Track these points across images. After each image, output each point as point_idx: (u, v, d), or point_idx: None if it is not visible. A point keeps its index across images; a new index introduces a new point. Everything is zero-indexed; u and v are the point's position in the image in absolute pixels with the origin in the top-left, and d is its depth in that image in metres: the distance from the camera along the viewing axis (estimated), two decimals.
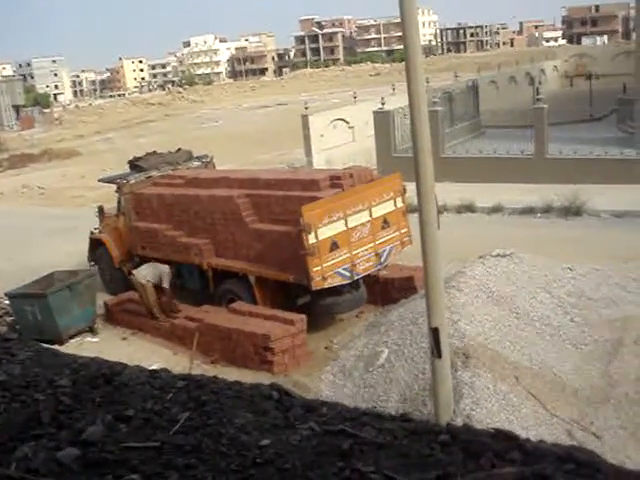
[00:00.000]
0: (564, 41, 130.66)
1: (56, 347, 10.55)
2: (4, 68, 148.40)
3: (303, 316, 12.57)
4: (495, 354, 10.01)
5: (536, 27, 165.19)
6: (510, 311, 11.25)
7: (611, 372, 10.13)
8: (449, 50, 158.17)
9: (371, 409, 3.92)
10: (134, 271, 14.89)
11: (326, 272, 12.49)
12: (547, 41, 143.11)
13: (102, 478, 2.27)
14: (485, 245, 14.40)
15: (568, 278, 12.63)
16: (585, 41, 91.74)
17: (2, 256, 21.56)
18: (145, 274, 14.59)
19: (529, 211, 20.32)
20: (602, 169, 21.74)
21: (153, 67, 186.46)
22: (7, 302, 15.87)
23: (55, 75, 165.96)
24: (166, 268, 14.63)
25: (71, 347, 13.45)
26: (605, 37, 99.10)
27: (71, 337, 14.71)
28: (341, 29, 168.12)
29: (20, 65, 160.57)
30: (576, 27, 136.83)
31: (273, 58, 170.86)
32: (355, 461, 2.18)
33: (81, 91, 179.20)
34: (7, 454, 2.45)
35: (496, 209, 20.94)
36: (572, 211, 19.41)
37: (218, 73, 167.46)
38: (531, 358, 10.17)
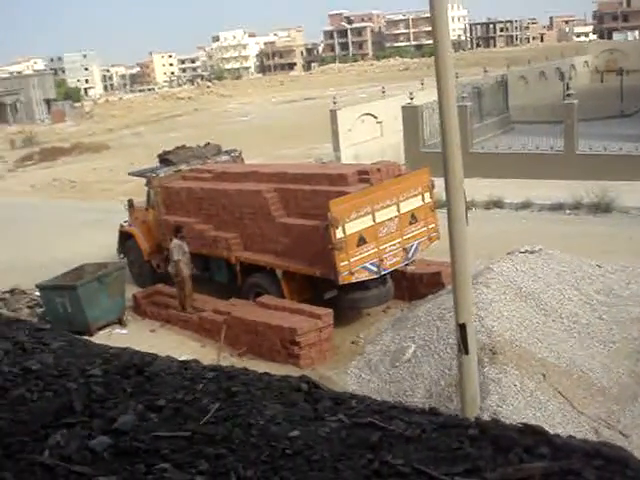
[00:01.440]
0: (595, 36, 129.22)
1: (86, 338, 10.68)
2: (36, 62, 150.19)
3: (330, 310, 12.59)
4: (522, 351, 9.96)
5: (566, 22, 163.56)
6: (538, 308, 11.18)
7: (639, 370, 10.04)
8: (478, 45, 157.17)
9: (400, 402, 3.92)
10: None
11: (353, 267, 12.49)
12: (577, 36, 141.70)
13: (133, 467, 2.30)
14: (513, 241, 14.32)
15: (597, 275, 12.51)
16: (616, 36, 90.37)
17: (33, 248, 21.87)
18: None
19: (558, 207, 20.16)
20: (632, 166, 21.51)
21: (182, 62, 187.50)
22: (37, 293, 16.08)
23: (86, 69, 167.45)
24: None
25: (100, 339, 13.56)
26: (636, 32, 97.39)
27: (100, 329, 14.87)
28: (370, 24, 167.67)
29: (52, 59, 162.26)
30: (607, 22, 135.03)
31: (302, 53, 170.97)
32: (384, 453, 2.19)
33: (111, 85, 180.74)
34: (40, 442, 2.49)
35: (525, 205, 20.80)
36: (601, 208, 19.22)
37: (247, 68, 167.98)
38: (559, 355, 10.11)
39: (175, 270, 14.74)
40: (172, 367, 3.20)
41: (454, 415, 2.76)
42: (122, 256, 18.00)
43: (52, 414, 2.73)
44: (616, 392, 9.64)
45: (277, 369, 11.22)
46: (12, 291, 17.03)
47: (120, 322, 15.31)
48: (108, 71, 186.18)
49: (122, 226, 18.12)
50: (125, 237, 17.95)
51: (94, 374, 3.11)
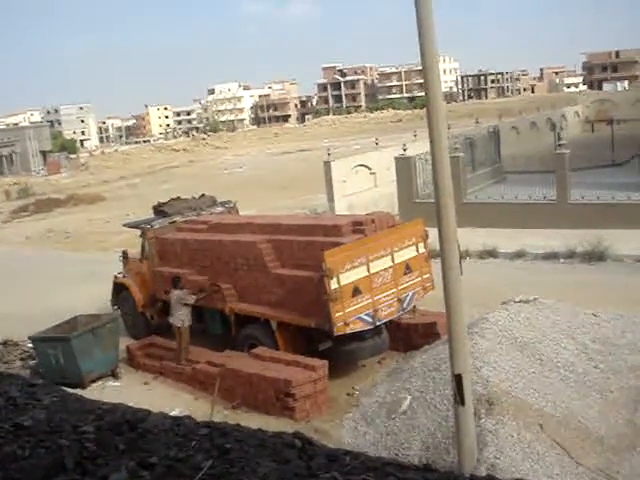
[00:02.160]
0: (585, 87, 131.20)
1: (79, 392, 10.58)
2: (32, 115, 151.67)
3: (325, 362, 12.50)
4: (519, 401, 9.89)
5: (556, 73, 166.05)
6: (534, 357, 11.13)
7: (637, 420, 9.97)
8: (470, 96, 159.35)
9: (394, 459, 3.87)
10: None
11: (348, 318, 12.45)
12: (568, 87, 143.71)
13: None
14: (508, 291, 14.33)
15: (592, 324, 12.49)
16: (606, 87, 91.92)
17: (26, 299, 21.76)
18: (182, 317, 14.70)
19: (552, 256, 20.21)
20: (625, 214, 21.65)
21: (178, 114, 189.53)
22: (30, 345, 15.96)
23: (82, 121, 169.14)
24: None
25: (93, 391, 13.44)
26: (626, 82, 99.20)
27: (93, 381, 14.72)
28: (363, 76, 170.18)
29: (48, 112, 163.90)
30: (597, 73, 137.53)
31: (296, 105, 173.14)
32: None
33: (107, 137, 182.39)
34: None
35: (519, 254, 20.86)
36: (595, 256, 19.28)
37: (242, 120, 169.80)
38: (555, 405, 10.03)
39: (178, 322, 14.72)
40: (165, 423, 3.18)
41: (449, 472, 2.73)
42: (116, 307, 17.92)
43: (43, 471, 2.70)
44: (614, 442, 9.55)
45: (272, 422, 11.12)
46: (4, 343, 16.92)
47: (113, 374, 15.17)
48: (104, 123, 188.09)
49: (116, 277, 18.08)
50: (119, 288, 17.90)
51: (86, 430, 3.08)
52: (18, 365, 15.78)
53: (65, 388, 6.35)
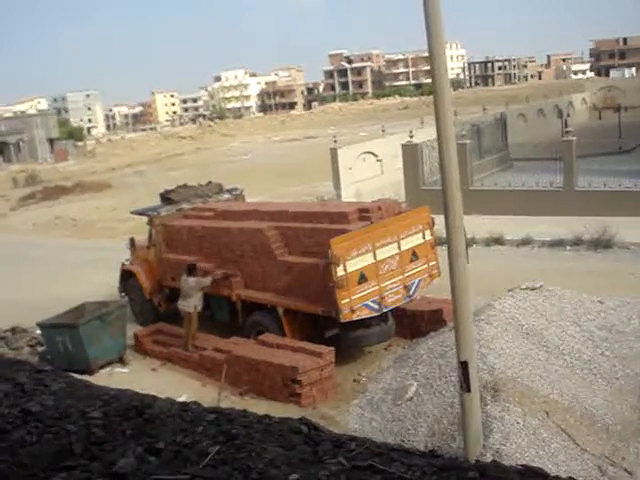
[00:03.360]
0: (592, 74, 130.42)
1: (87, 378, 10.64)
2: (39, 102, 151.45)
3: (331, 348, 12.53)
4: (525, 388, 9.90)
5: (564, 60, 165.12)
6: (540, 345, 11.14)
7: None
8: (477, 83, 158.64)
9: (400, 445, 3.89)
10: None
11: (354, 304, 12.47)
12: (575, 74, 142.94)
13: None
14: (514, 278, 14.31)
15: (598, 311, 12.48)
16: (613, 73, 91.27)
17: (34, 286, 21.86)
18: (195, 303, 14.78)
19: (559, 244, 20.17)
20: (632, 201, 21.57)
21: (184, 101, 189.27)
22: (39, 332, 16.04)
23: (89, 109, 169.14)
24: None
25: (101, 378, 13.52)
26: (633, 69, 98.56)
27: (101, 367, 14.79)
28: (369, 63, 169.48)
29: (55, 99, 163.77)
30: (604, 59, 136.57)
31: (302, 92, 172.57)
32: None
33: (114, 124, 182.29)
34: None
35: (525, 242, 20.81)
36: (602, 244, 19.22)
37: (248, 107, 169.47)
38: (561, 392, 10.04)
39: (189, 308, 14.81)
40: (172, 409, 3.20)
41: (454, 457, 2.74)
42: (123, 294, 17.98)
43: (52, 457, 2.73)
44: (620, 429, 9.56)
45: (278, 408, 11.16)
46: (13, 330, 17.00)
47: (121, 361, 15.24)
48: (111, 110, 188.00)
49: (124, 264, 18.14)
50: (127, 275, 17.95)
51: (94, 416, 3.11)
52: (27, 352, 15.86)
53: (73, 374, 6.39)
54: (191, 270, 14.85)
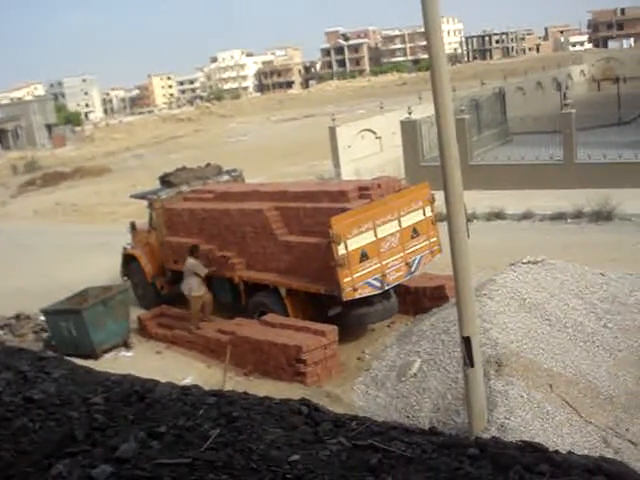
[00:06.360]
0: (590, 45, 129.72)
1: (90, 363, 10.68)
2: (36, 88, 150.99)
3: (334, 327, 12.57)
4: (528, 362, 9.93)
5: (562, 32, 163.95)
6: (542, 318, 11.15)
7: None
8: (475, 58, 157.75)
9: (400, 423, 3.91)
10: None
11: (356, 283, 12.48)
12: (573, 46, 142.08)
13: None
14: (516, 252, 14.30)
15: (600, 284, 12.48)
16: (612, 44, 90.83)
17: (37, 273, 21.90)
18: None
19: (559, 217, 20.15)
20: (632, 173, 21.50)
21: (181, 83, 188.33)
22: (42, 318, 16.10)
23: (85, 94, 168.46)
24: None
25: (106, 362, 13.58)
26: (632, 40, 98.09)
27: (105, 352, 14.85)
28: (366, 40, 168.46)
29: (52, 85, 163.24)
30: (602, 31, 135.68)
31: (299, 71, 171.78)
32: (384, 475, 2.19)
33: (111, 109, 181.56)
34: (43, 472, 2.49)
35: (526, 216, 20.79)
36: (603, 216, 19.19)
37: (245, 87, 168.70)
38: (565, 365, 10.07)
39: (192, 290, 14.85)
40: (173, 393, 3.21)
41: (454, 435, 2.75)
42: (126, 278, 18.01)
43: (54, 444, 2.74)
44: (624, 400, 9.60)
45: (283, 388, 11.22)
46: (17, 316, 17.07)
47: (125, 344, 15.29)
48: (108, 94, 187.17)
49: (125, 249, 18.14)
50: (128, 259, 17.97)
51: (96, 402, 3.12)
52: (31, 338, 15.93)
53: (77, 360, 6.41)
54: (193, 251, 14.86)
